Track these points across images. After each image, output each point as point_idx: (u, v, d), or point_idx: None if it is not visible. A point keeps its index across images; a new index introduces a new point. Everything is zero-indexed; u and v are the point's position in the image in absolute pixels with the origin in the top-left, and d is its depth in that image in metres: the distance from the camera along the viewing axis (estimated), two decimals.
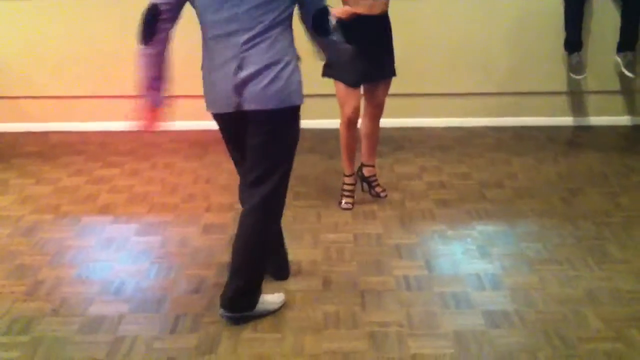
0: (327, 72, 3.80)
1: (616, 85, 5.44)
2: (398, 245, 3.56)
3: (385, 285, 3.17)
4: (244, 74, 2.61)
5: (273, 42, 2.62)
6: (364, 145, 4.09)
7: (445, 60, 5.38)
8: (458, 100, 5.54)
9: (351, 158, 4.03)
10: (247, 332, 2.82)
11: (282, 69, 2.64)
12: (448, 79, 5.44)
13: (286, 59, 2.66)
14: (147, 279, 3.27)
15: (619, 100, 5.53)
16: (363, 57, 3.68)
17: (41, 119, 5.60)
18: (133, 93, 5.48)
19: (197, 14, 2.65)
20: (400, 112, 5.34)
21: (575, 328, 2.82)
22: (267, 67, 2.61)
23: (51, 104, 5.57)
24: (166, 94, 2.76)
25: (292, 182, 2.95)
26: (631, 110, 5.56)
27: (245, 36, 2.59)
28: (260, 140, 2.72)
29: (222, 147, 2.99)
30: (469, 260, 3.40)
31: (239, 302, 2.85)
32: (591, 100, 5.54)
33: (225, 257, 3.44)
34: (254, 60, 2.61)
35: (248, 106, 2.64)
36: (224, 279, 3.21)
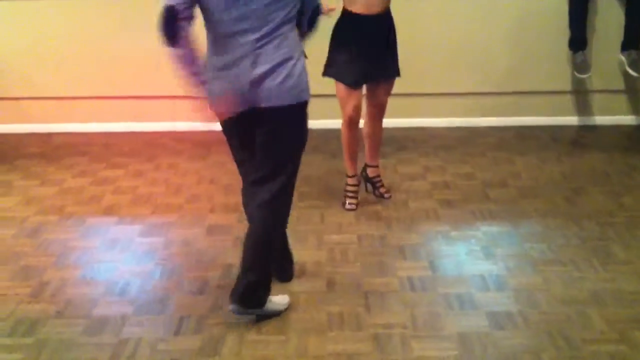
0: (328, 71, 3.80)
1: (620, 84, 5.42)
2: (402, 246, 3.56)
3: (389, 287, 3.17)
4: (258, 71, 2.63)
5: (283, 39, 2.65)
6: (366, 146, 4.09)
7: (448, 60, 5.37)
8: (461, 99, 5.53)
9: (353, 158, 4.02)
10: (251, 334, 2.83)
11: (294, 65, 2.68)
12: (451, 78, 5.43)
13: (296, 55, 2.70)
14: (151, 280, 3.28)
15: (623, 99, 5.51)
16: (362, 57, 3.69)
17: (44, 120, 5.60)
18: (135, 94, 5.55)
19: (204, 13, 2.63)
20: (403, 112, 5.34)
21: (579, 329, 2.82)
22: (280, 64, 2.64)
23: (54, 105, 5.57)
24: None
25: (296, 182, 2.95)
26: (636, 109, 5.54)
27: (257, 34, 2.61)
28: (271, 137, 2.75)
29: (226, 148, 2.98)
30: (473, 261, 3.40)
31: (251, 298, 2.84)
32: (595, 100, 5.53)
33: (230, 258, 3.45)
34: (268, 58, 2.63)
35: (264, 103, 2.66)
36: (228, 280, 3.23)
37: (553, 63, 5.37)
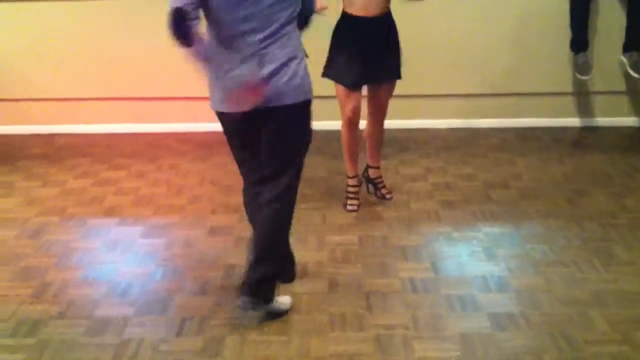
0: (327, 72, 3.80)
1: (622, 85, 5.42)
2: (403, 247, 3.56)
3: (391, 288, 3.17)
4: (265, 71, 2.65)
5: (287, 39, 2.69)
6: (367, 147, 4.09)
7: (449, 61, 5.37)
8: (462, 101, 5.53)
9: (353, 159, 4.02)
10: (253, 335, 2.83)
11: (298, 64, 2.72)
12: (452, 79, 5.43)
13: (299, 55, 2.74)
14: (153, 281, 3.28)
15: (624, 100, 5.50)
16: (361, 59, 3.69)
17: (47, 121, 5.61)
18: (137, 95, 5.55)
19: (209, 14, 2.64)
20: (405, 114, 5.34)
21: (582, 330, 2.82)
22: (285, 64, 2.68)
23: (57, 106, 5.58)
24: None
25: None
26: (637, 111, 5.54)
27: (262, 34, 2.63)
28: (277, 136, 2.78)
29: (227, 149, 2.99)
30: (474, 262, 3.40)
31: (263, 289, 2.85)
32: (597, 101, 5.52)
33: (231, 258, 3.46)
34: (273, 58, 2.65)
35: (271, 103, 2.68)
36: (230, 281, 3.24)
37: (554, 64, 5.36)
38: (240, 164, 2.99)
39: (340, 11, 3.74)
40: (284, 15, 2.65)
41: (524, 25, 5.30)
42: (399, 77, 3.85)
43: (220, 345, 2.76)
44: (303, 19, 2.82)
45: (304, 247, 3.52)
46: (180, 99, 5.49)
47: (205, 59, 2.67)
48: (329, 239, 3.67)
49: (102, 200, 4.25)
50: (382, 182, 4.16)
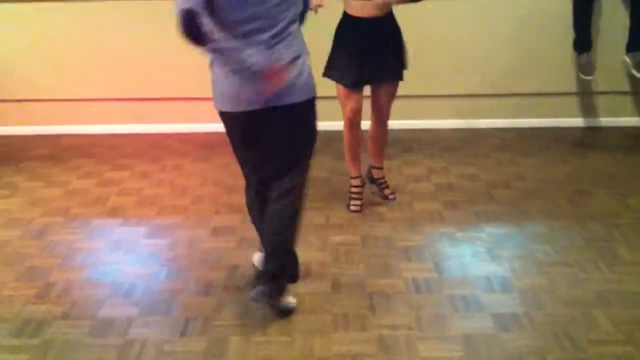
0: (327, 72, 3.80)
1: (625, 86, 5.42)
2: (407, 248, 3.56)
3: (394, 288, 3.17)
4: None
5: (293, 37, 2.73)
6: (369, 148, 4.09)
7: (452, 62, 5.38)
8: (465, 101, 5.53)
9: (355, 159, 4.02)
10: (257, 336, 2.83)
11: (303, 62, 2.77)
12: (455, 80, 5.43)
13: (303, 53, 2.78)
14: (156, 282, 3.29)
15: (628, 101, 5.50)
16: (360, 60, 3.69)
17: (50, 121, 5.62)
18: (140, 96, 5.56)
19: (217, 13, 2.61)
20: (408, 114, 5.34)
21: (585, 330, 2.82)
22: (292, 61, 2.71)
23: (60, 107, 5.59)
24: None
25: None
26: None
27: (269, 33, 2.65)
28: (287, 133, 2.83)
29: (230, 149, 2.99)
30: (478, 262, 3.40)
31: (278, 281, 2.89)
32: (600, 101, 5.52)
33: (235, 259, 3.47)
34: (280, 57, 2.68)
35: (281, 101, 2.72)
36: (233, 281, 3.24)
37: (558, 65, 5.36)
38: (243, 164, 3.00)
39: (342, 11, 3.74)
40: (289, 15, 2.69)
41: (527, 26, 5.29)
42: (400, 78, 3.83)
43: (224, 346, 2.77)
44: (298, 16, 2.84)
45: (307, 248, 3.52)
46: (182, 99, 5.51)
47: (224, 51, 2.67)
48: (332, 239, 3.67)
49: (106, 201, 4.26)
50: (385, 182, 4.16)
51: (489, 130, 5.45)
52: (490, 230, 3.73)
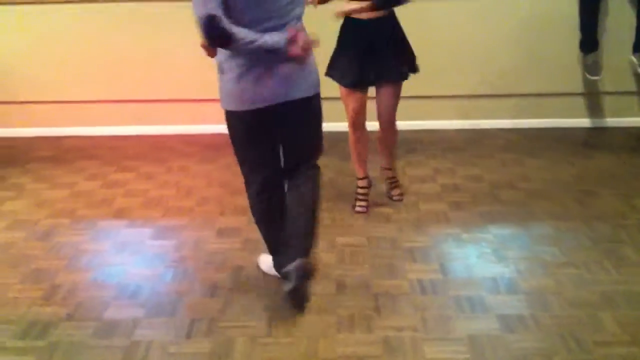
0: (328, 72, 3.80)
1: (632, 86, 5.40)
2: (412, 249, 3.55)
3: (400, 289, 3.16)
4: (290, 65, 2.77)
5: None
6: (378, 149, 4.09)
7: (456, 62, 5.37)
8: (470, 101, 5.52)
9: (361, 160, 4.02)
10: (262, 337, 2.83)
11: (311, 58, 2.86)
12: (460, 80, 5.43)
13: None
14: (162, 283, 3.29)
15: (634, 101, 5.48)
16: (359, 60, 3.69)
17: (55, 123, 5.64)
18: (144, 97, 5.57)
19: (229, 13, 2.62)
20: (412, 115, 5.33)
21: (591, 332, 2.81)
22: None
23: (65, 109, 5.61)
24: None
25: None
26: None
27: (280, 32, 2.71)
28: (304, 124, 2.98)
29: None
30: (483, 263, 3.39)
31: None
32: (606, 102, 5.50)
33: (240, 260, 3.47)
34: None
35: (297, 95, 2.84)
36: (239, 282, 3.25)
37: (564, 65, 5.35)
38: (252, 162, 3.01)
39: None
40: (297, 13, 2.77)
41: (533, 26, 5.28)
42: (402, 79, 3.80)
43: (230, 347, 2.77)
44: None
45: None
46: (186, 101, 5.51)
47: (253, 43, 2.68)
48: (337, 240, 3.67)
49: (112, 202, 4.26)
50: (393, 183, 4.15)
51: (493, 130, 5.44)
52: (496, 231, 3.72)
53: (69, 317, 3.00)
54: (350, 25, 3.70)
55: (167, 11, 5.25)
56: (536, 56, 5.33)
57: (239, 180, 4.30)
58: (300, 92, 2.85)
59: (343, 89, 3.79)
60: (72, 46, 5.41)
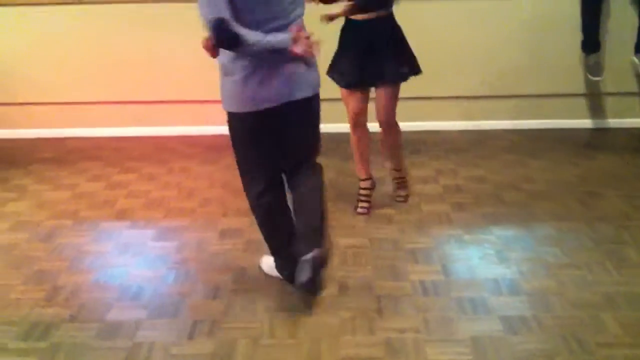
0: (329, 72, 3.80)
1: (634, 86, 5.39)
2: (414, 250, 3.55)
3: (402, 291, 3.16)
4: (292, 67, 2.80)
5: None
6: (382, 150, 4.09)
7: (458, 63, 5.36)
8: (472, 102, 5.52)
9: (362, 161, 4.01)
10: (264, 339, 2.83)
11: (312, 58, 2.89)
12: (462, 81, 5.42)
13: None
14: (164, 285, 3.29)
15: (636, 102, 5.47)
16: (356, 61, 3.69)
17: (57, 124, 5.64)
18: (146, 98, 5.58)
19: (236, 14, 2.63)
20: (415, 116, 5.33)
21: (594, 333, 2.81)
22: (303, 58, 2.83)
23: (67, 110, 5.61)
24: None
25: None
26: None
27: (283, 32, 2.74)
28: (306, 123, 3.01)
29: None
30: (486, 264, 3.39)
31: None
32: (608, 102, 5.50)
33: (242, 261, 3.47)
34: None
35: (299, 95, 2.86)
36: (241, 284, 3.25)
37: (565, 66, 5.34)
38: (256, 163, 3.01)
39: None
40: (299, 12, 2.80)
41: (535, 27, 5.27)
42: (399, 80, 3.77)
43: (232, 349, 2.77)
44: None
45: None
46: (188, 102, 5.52)
47: (262, 44, 2.70)
48: (339, 241, 3.66)
49: (114, 204, 4.27)
50: (399, 183, 4.14)
51: (496, 131, 5.44)
52: (499, 233, 3.72)
53: (72, 319, 3.01)
54: (349, 27, 3.71)
55: (169, 12, 5.26)
56: (538, 57, 5.33)
57: (241, 181, 4.33)
58: (302, 92, 2.87)
59: (343, 89, 3.80)
60: (75, 47, 5.42)
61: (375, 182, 4.12)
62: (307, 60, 2.83)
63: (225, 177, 4.62)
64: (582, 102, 5.51)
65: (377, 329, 2.87)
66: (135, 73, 5.43)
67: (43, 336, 2.89)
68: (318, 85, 2.98)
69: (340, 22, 3.74)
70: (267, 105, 2.80)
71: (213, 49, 2.83)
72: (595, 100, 5.51)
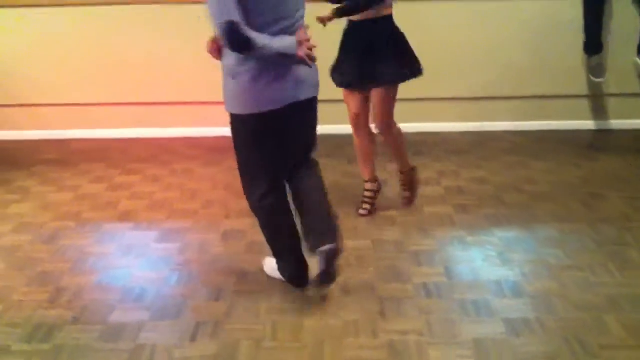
0: (330, 73, 3.81)
1: (636, 88, 5.38)
2: (417, 252, 3.55)
3: (405, 293, 3.16)
4: (298, 67, 2.83)
5: None
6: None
7: (460, 64, 5.37)
8: (474, 104, 5.52)
9: (365, 162, 4.00)
10: (267, 341, 2.83)
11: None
12: (463, 83, 5.43)
13: None
14: (167, 286, 3.29)
15: (639, 103, 5.47)
16: (353, 61, 3.69)
17: (60, 126, 5.65)
18: (149, 100, 5.59)
19: (247, 16, 2.64)
20: (417, 117, 5.35)
21: (597, 335, 2.80)
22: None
23: (70, 112, 5.62)
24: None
25: None
26: None
27: (292, 31, 2.77)
28: (307, 123, 3.06)
29: None
30: (489, 266, 3.39)
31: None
32: (611, 103, 5.50)
33: (245, 263, 3.47)
34: None
35: (303, 96, 2.90)
36: (244, 286, 3.25)
37: (568, 67, 5.35)
38: (259, 164, 3.01)
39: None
40: (301, 13, 2.83)
41: (537, 28, 5.28)
42: (393, 82, 3.73)
43: (235, 351, 2.77)
44: None
45: None
46: (190, 103, 5.53)
47: (272, 49, 2.71)
48: (342, 243, 3.65)
49: (117, 205, 4.27)
50: (403, 185, 4.09)
51: (498, 133, 5.44)
52: (501, 234, 3.72)
53: (75, 321, 3.01)
54: (350, 27, 3.72)
55: (172, 14, 5.27)
56: (540, 58, 5.33)
57: (242, 184, 4.33)
58: (305, 94, 2.90)
59: (344, 90, 3.81)
60: (79, 49, 5.43)
61: (381, 184, 4.10)
62: (311, 61, 2.83)
63: (228, 178, 4.62)
64: (585, 104, 5.51)
65: (380, 331, 2.87)
66: (138, 75, 5.44)
67: (46, 338, 2.89)
68: (318, 85, 3.00)
69: (342, 24, 3.75)
70: (274, 106, 2.81)
71: (218, 51, 2.83)
72: (597, 102, 5.51)
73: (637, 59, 5.13)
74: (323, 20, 3.55)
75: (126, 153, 5.26)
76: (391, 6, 3.67)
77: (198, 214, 4.11)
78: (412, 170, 4.09)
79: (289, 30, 2.75)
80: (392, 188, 4.23)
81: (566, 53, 5.31)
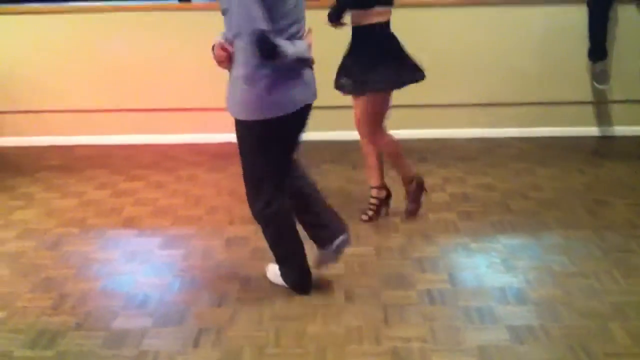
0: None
1: None
2: (421, 259, 3.54)
3: (408, 299, 3.15)
4: (308, 71, 2.90)
5: None
6: None
7: (466, 71, 5.37)
8: (481, 110, 5.52)
9: (369, 168, 3.97)
10: (270, 347, 2.82)
11: None
12: (470, 89, 5.42)
13: None
14: (170, 293, 3.29)
15: None
16: (348, 67, 3.68)
17: (65, 132, 5.67)
18: (153, 106, 5.60)
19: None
20: (422, 123, 5.34)
21: (602, 343, 2.78)
22: None
23: (74, 118, 5.64)
24: None
25: None
26: None
27: (302, 31, 2.83)
28: (305, 125, 3.03)
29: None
30: (493, 273, 3.37)
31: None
32: (615, 110, 5.49)
33: (248, 270, 3.46)
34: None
35: (311, 99, 2.94)
36: (247, 292, 3.25)
37: (572, 73, 5.34)
38: (265, 169, 3.01)
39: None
40: (303, 15, 2.86)
41: (542, 35, 5.28)
42: (359, 93, 3.67)
43: (237, 357, 2.76)
44: None
45: None
46: (194, 110, 5.53)
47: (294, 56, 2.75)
48: (345, 250, 3.64)
49: (121, 211, 4.27)
50: (409, 194, 4.02)
51: (504, 139, 5.43)
52: (506, 241, 3.71)
53: (78, 327, 3.01)
54: (353, 34, 3.70)
55: (176, 20, 5.29)
56: (546, 65, 5.33)
57: (245, 190, 4.32)
58: (311, 97, 2.95)
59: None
60: (83, 55, 5.45)
61: (389, 191, 4.05)
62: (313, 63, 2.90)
63: (232, 185, 4.62)
64: (590, 110, 5.50)
65: (384, 338, 2.86)
66: (141, 81, 5.45)
67: (49, 344, 2.88)
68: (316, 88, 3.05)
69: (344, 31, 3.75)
70: (289, 110, 2.83)
71: (229, 59, 2.81)
72: (602, 108, 5.50)
73: None
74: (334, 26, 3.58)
75: (130, 159, 5.27)
76: (382, 14, 3.57)
77: (202, 220, 4.11)
78: (414, 180, 3.99)
79: (298, 35, 2.79)
80: (396, 194, 4.21)
81: (570, 60, 5.31)
